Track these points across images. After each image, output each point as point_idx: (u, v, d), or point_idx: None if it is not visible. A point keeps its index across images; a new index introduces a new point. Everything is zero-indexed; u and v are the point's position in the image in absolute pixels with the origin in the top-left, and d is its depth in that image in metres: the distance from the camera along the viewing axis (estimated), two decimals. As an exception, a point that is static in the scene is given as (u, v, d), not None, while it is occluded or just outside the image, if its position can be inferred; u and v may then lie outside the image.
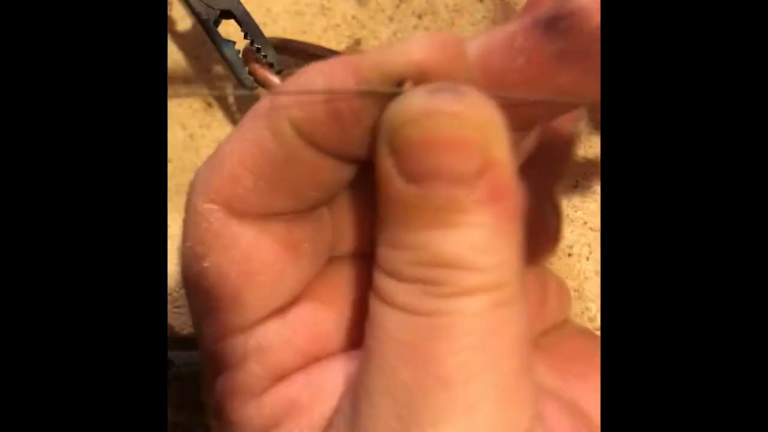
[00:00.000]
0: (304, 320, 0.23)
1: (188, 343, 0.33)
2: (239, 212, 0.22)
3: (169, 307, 0.33)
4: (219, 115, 0.33)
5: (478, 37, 0.21)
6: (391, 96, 0.20)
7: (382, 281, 0.21)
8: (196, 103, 0.33)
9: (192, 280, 0.22)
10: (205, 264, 0.22)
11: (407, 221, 0.20)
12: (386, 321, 0.20)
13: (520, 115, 0.21)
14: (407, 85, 0.20)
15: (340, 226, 0.24)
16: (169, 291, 0.33)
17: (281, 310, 0.23)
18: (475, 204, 0.19)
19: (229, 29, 0.30)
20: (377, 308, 0.21)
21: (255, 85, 0.29)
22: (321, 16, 0.33)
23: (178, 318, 0.33)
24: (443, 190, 0.19)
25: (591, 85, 0.20)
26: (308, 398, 0.22)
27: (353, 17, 0.33)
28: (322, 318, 0.23)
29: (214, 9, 0.28)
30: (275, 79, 0.29)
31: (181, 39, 0.32)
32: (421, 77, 0.20)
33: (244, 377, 0.22)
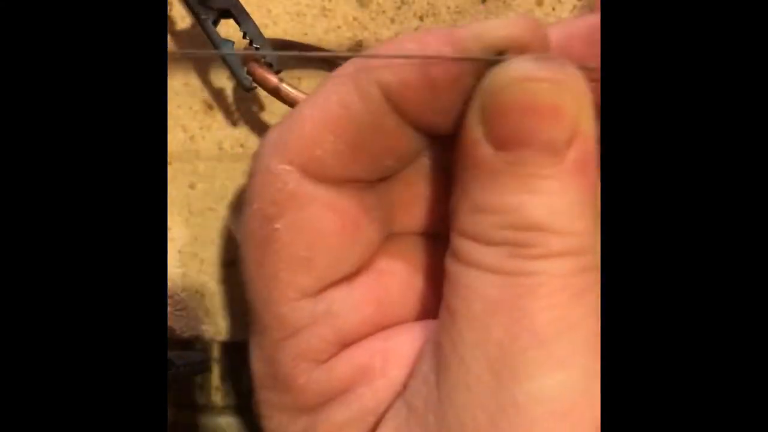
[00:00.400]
0: (371, 288, 0.24)
1: (189, 345, 0.33)
2: (315, 175, 0.22)
3: (170, 309, 0.33)
4: (219, 116, 0.33)
5: (560, 23, 0.21)
6: (490, 65, 0.20)
7: (466, 245, 0.21)
8: (197, 105, 0.33)
9: (260, 243, 0.22)
10: (277, 225, 0.22)
11: (494, 186, 0.20)
12: (473, 282, 0.21)
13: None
14: (512, 56, 0.20)
15: (404, 200, 0.25)
16: (170, 294, 0.33)
17: (349, 276, 0.23)
18: (563, 172, 0.20)
19: (228, 29, 0.30)
20: (461, 271, 0.21)
21: (254, 85, 0.29)
22: (322, 18, 0.33)
23: (179, 321, 0.33)
24: (534, 156, 0.20)
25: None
26: (380, 364, 0.23)
27: (354, 19, 0.33)
28: (388, 288, 0.24)
29: (213, 9, 0.28)
30: (274, 79, 0.29)
31: (181, 39, 0.32)
32: (519, 51, 0.20)
33: (312, 341, 0.23)
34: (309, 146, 0.22)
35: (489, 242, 0.21)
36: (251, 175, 0.23)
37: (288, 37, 0.32)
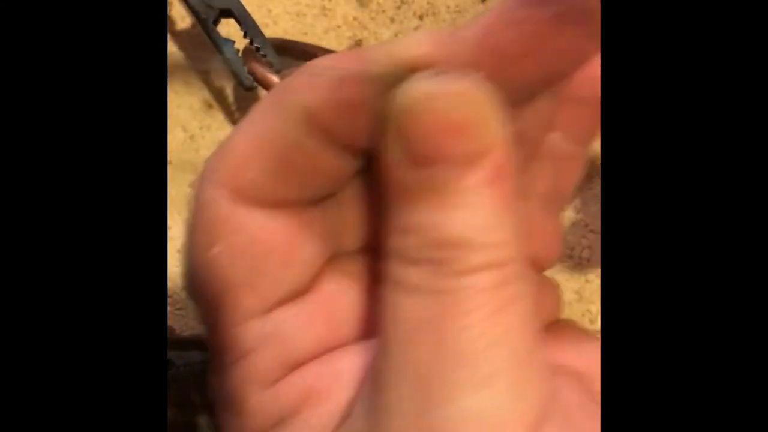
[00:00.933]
0: (319, 308, 0.24)
1: (189, 344, 0.33)
2: (247, 199, 0.22)
3: (170, 308, 0.33)
4: (219, 116, 0.33)
5: (476, 19, 0.21)
6: (398, 82, 0.20)
7: (393, 266, 0.21)
8: (197, 105, 0.33)
9: (202, 269, 0.22)
10: (214, 250, 0.22)
11: (413, 205, 0.21)
12: (400, 304, 0.21)
13: (518, 90, 0.21)
14: (419, 73, 0.20)
15: (346, 221, 0.24)
16: (169, 293, 0.33)
17: (296, 296, 0.23)
18: (479, 184, 0.20)
19: (228, 29, 0.30)
20: (390, 293, 0.21)
21: (254, 84, 0.29)
22: (322, 17, 0.33)
23: (179, 320, 0.33)
24: (447, 172, 0.20)
25: (591, 48, 0.21)
26: (326, 387, 0.23)
27: (354, 18, 0.33)
28: (337, 307, 0.24)
29: (213, 8, 0.28)
30: (275, 78, 0.29)
31: (181, 38, 0.32)
32: (430, 67, 0.20)
33: (258, 364, 0.22)
34: (239, 171, 0.22)
35: (412, 262, 0.21)
36: (192, 202, 0.23)
37: (288, 37, 0.32)
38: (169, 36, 0.32)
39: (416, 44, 0.21)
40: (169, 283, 0.33)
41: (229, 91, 0.33)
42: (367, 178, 0.24)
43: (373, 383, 0.21)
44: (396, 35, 0.33)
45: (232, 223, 0.22)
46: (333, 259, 0.25)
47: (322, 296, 0.24)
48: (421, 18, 0.33)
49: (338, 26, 0.33)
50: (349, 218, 0.25)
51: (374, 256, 0.25)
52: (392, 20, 0.33)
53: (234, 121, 0.33)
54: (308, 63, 0.23)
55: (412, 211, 0.21)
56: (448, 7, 0.33)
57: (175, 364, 0.29)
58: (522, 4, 0.20)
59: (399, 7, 0.33)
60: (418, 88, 0.20)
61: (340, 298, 0.24)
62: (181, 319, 0.33)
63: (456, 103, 0.20)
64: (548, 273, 0.25)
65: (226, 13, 0.29)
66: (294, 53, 0.32)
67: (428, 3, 0.33)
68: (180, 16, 0.32)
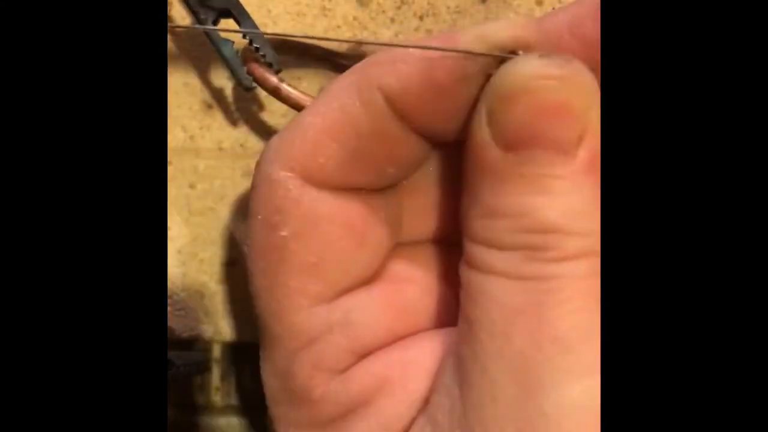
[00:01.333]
0: (388, 296, 0.23)
1: (189, 345, 0.33)
2: (318, 182, 0.22)
3: (170, 309, 0.33)
4: (219, 116, 0.33)
5: (565, 8, 0.21)
6: (497, 64, 0.20)
7: (479, 251, 0.21)
8: (196, 105, 0.33)
9: (267, 251, 0.22)
10: (283, 233, 0.22)
11: (505, 189, 0.20)
12: (490, 289, 0.20)
13: None
14: (523, 53, 0.20)
15: (412, 208, 0.24)
16: (170, 293, 0.33)
17: (364, 283, 0.23)
18: (576, 172, 0.20)
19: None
20: (476, 278, 0.21)
21: (254, 84, 0.29)
22: (322, 18, 0.33)
23: (179, 320, 0.33)
24: (544, 156, 0.20)
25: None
26: (399, 375, 0.22)
27: (354, 18, 0.33)
28: (406, 295, 0.24)
29: (212, 9, 0.28)
30: (274, 80, 0.29)
31: (181, 38, 0.32)
32: (524, 50, 0.20)
33: (328, 350, 0.22)
34: (311, 153, 0.21)
35: (503, 247, 0.20)
36: (254, 184, 0.22)
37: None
38: (168, 36, 0.32)
39: (509, 27, 0.20)
40: (169, 284, 0.33)
41: (228, 91, 0.33)
42: (438, 165, 0.24)
43: (461, 372, 0.21)
44: (396, 35, 0.33)
45: (302, 205, 0.22)
46: (398, 248, 0.24)
47: (392, 284, 0.24)
48: (421, 18, 0.33)
49: (338, 26, 0.33)
50: (418, 204, 0.25)
51: (445, 244, 0.24)
52: (392, 20, 0.33)
53: (234, 122, 0.33)
54: (388, 50, 0.22)
55: (503, 194, 0.20)
56: (449, 7, 0.33)
57: (175, 364, 0.29)
58: None
59: (399, 8, 0.33)
60: (524, 69, 0.20)
61: (410, 285, 0.24)
62: (181, 320, 0.33)
63: (561, 86, 0.20)
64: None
65: (226, 14, 0.29)
66: (294, 52, 0.32)
67: (428, 3, 0.33)
68: (180, 16, 0.32)
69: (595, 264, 0.20)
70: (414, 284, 0.24)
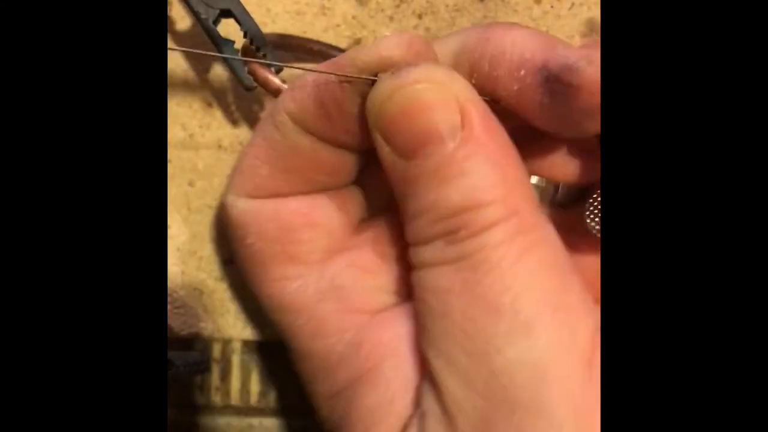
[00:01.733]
0: (365, 260, 0.26)
1: (188, 343, 0.33)
2: (260, 195, 0.26)
3: (170, 307, 0.33)
4: (219, 115, 0.33)
5: (490, 44, 0.23)
6: (370, 85, 0.23)
7: (413, 252, 0.23)
8: (196, 103, 0.33)
9: (248, 261, 0.27)
10: (249, 241, 0.26)
11: (416, 191, 0.22)
12: (426, 281, 0.22)
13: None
14: (381, 75, 0.23)
15: (374, 195, 0.28)
16: (169, 291, 0.33)
17: (336, 252, 0.26)
18: (461, 151, 0.22)
19: (228, 29, 0.30)
20: (415, 276, 0.23)
21: (254, 84, 0.29)
22: (321, 16, 0.33)
23: (178, 318, 0.33)
24: (436, 150, 0.22)
25: (572, 128, 0.23)
26: (406, 341, 0.24)
27: (353, 17, 0.33)
28: (377, 259, 0.26)
29: (213, 8, 0.28)
30: (275, 80, 0.29)
31: (181, 38, 0.32)
32: (394, 67, 0.22)
33: (328, 316, 0.26)
34: (249, 176, 0.26)
35: (427, 241, 0.22)
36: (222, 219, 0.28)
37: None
38: (168, 36, 0.32)
39: (374, 49, 0.23)
40: (169, 282, 0.33)
41: (228, 90, 0.33)
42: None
43: (424, 363, 0.23)
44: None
45: (252, 215, 0.26)
46: (372, 220, 0.28)
47: (364, 249, 0.26)
48: (420, 17, 0.33)
49: (337, 25, 0.33)
50: (375, 193, 0.28)
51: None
52: (391, 19, 0.33)
53: (233, 121, 0.33)
54: (295, 77, 0.25)
55: (416, 196, 0.22)
56: (447, 5, 0.33)
57: (174, 364, 0.29)
58: (526, 70, 0.22)
59: (398, 6, 0.33)
60: (380, 90, 0.22)
61: (377, 250, 0.26)
62: (180, 318, 0.33)
63: (412, 92, 0.22)
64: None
65: (226, 14, 0.29)
66: (292, 48, 0.32)
67: (427, 2, 0.33)
68: (180, 16, 0.32)
69: (512, 226, 0.21)
70: (381, 249, 0.26)
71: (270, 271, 0.26)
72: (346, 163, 0.26)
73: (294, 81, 0.25)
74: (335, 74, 0.23)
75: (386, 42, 0.23)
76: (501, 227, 0.21)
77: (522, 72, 0.22)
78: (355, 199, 0.28)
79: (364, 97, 0.23)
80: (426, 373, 0.22)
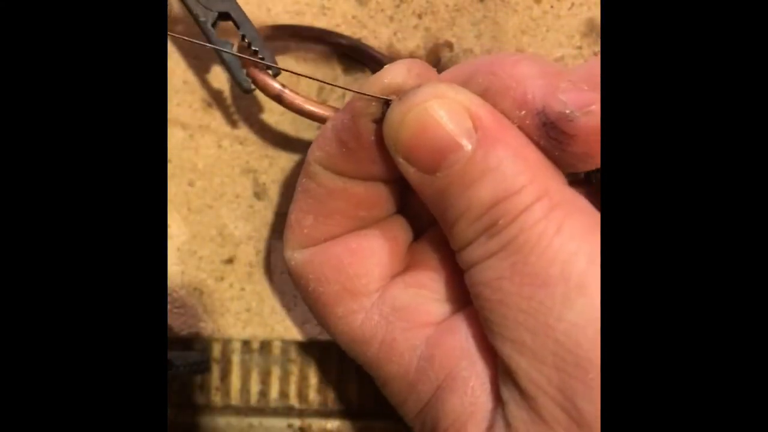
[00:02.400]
0: (418, 279, 0.27)
1: (188, 343, 0.33)
2: (310, 243, 0.27)
3: (169, 307, 0.33)
4: (218, 115, 0.33)
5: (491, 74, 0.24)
6: (383, 110, 0.24)
7: (460, 257, 0.24)
8: (196, 104, 0.33)
9: (312, 303, 0.28)
10: (310, 288, 0.27)
11: (449, 200, 0.23)
12: (479, 279, 0.23)
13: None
14: (393, 99, 0.24)
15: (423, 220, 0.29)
16: (169, 291, 0.33)
17: (392, 277, 0.27)
18: (485, 152, 0.23)
19: (228, 31, 0.30)
20: (468, 279, 0.24)
21: (253, 87, 0.29)
22: (321, 16, 0.33)
23: (178, 318, 0.33)
24: (456, 158, 0.23)
25: (565, 167, 0.24)
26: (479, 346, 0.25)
27: (353, 17, 0.33)
28: (435, 275, 0.28)
29: (211, 11, 0.28)
30: (274, 84, 0.29)
31: (180, 40, 0.32)
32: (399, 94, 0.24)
33: (397, 337, 0.27)
34: (297, 230, 0.27)
35: (470, 241, 0.23)
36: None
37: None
38: (168, 37, 0.32)
39: (381, 78, 0.24)
40: (169, 282, 0.33)
41: (228, 90, 0.33)
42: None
43: (493, 352, 0.24)
44: (395, 34, 0.33)
45: (308, 263, 0.27)
46: (420, 241, 0.29)
47: (417, 271, 0.27)
48: (420, 17, 0.33)
49: (337, 25, 0.33)
50: (417, 216, 0.29)
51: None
52: (391, 19, 0.33)
53: (233, 121, 0.33)
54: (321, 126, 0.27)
55: (451, 206, 0.23)
56: (447, 5, 0.33)
57: (174, 364, 0.29)
58: (528, 111, 0.23)
59: (398, 6, 0.33)
60: (392, 117, 0.24)
61: (431, 268, 0.28)
62: (180, 317, 0.33)
63: (421, 111, 0.23)
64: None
65: (224, 16, 0.29)
66: (287, 37, 0.32)
67: (427, 2, 0.33)
68: (179, 18, 0.32)
69: (544, 204, 0.22)
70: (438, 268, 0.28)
71: (335, 310, 0.27)
72: (382, 194, 0.27)
73: (317, 134, 0.26)
74: (356, 92, 0.24)
75: (387, 71, 0.24)
76: (535, 208, 0.22)
77: (522, 112, 0.23)
78: (401, 226, 0.29)
79: (380, 126, 0.24)
80: (499, 363, 0.23)
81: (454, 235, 0.24)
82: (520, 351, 0.22)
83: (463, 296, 0.26)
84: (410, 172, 0.24)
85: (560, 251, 0.22)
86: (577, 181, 0.27)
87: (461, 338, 0.25)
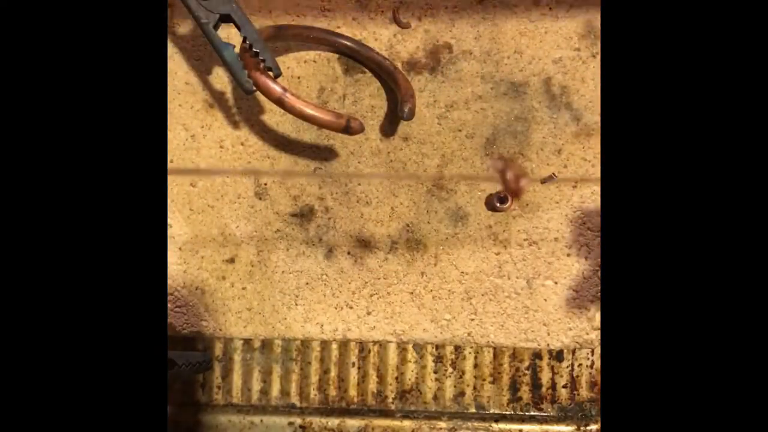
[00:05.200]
0: None
1: (189, 342, 0.33)
2: None
3: (170, 306, 0.33)
4: (220, 115, 0.33)
5: None
6: None
7: None
8: (198, 105, 0.33)
9: None
10: None
11: None
12: None
13: None
14: None
15: None
16: (170, 291, 0.33)
17: None
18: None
19: (230, 32, 0.30)
20: None
21: (254, 88, 0.29)
22: (322, 18, 0.33)
23: (179, 317, 0.33)
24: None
25: None
26: None
27: (354, 19, 0.33)
28: None
29: (213, 13, 0.29)
30: (278, 89, 0.29)
31: (182, 39, 0.32)
32: None
33: None
34: None
35: None
36: None
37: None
38: (170, 39, 0.32)
39: None
40: (170, 281, 0.33)
41: (229, 91, 0.33)
42: None
43: None
44: (395, 36, 0.33)
45: None
46: None
47: None
48: (420, 18, 0.33)
49: (338, 27, 0.33)
50: None
51: None
52: (391, 20, 0.33)
53: (235, 122, 0.33)
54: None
55: None
56: (447, 7, 0.33)
57: (176, 364, 0.29)
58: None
59: (398, 8, 0.33)
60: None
61: None
62: (182, 316, 0.33)
63: None
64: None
65: (226, 18, 0.29)
66: (289, 37, 0.32)
67: (427, 3, 0.33)
68: (181, 21, 0.32)
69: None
70: None
71: None
72: None
73: None
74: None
75: None
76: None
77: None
78: None
79: None
80: None
81: None
82: None
83: None
84: None
85: None
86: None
87: None
